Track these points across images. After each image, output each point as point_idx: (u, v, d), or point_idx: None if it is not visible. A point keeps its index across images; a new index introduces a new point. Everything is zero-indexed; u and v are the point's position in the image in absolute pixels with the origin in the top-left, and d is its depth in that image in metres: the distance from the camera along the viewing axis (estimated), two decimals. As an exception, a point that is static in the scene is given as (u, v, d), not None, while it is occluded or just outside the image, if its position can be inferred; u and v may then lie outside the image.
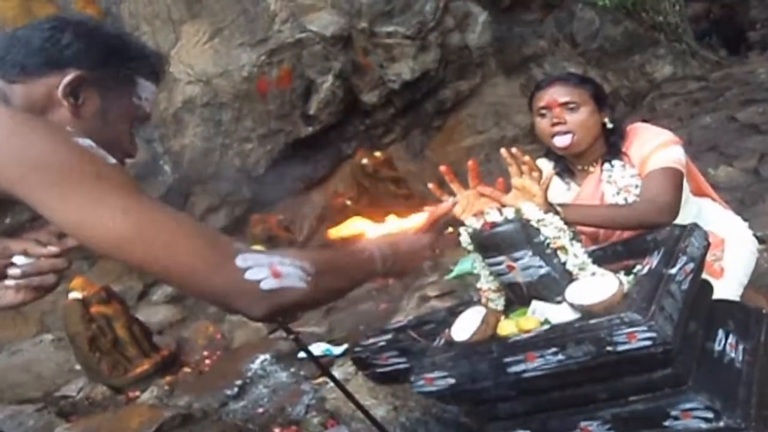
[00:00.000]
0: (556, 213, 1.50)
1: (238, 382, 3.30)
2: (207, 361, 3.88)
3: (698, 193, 2.05)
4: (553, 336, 1.17)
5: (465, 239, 1.46)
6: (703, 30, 8.95)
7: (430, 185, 1.70)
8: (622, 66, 6.90)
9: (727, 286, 1.82)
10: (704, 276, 1.52)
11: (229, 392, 3.25)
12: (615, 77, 6.72)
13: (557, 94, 1.89)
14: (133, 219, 0.83)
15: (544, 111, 1.91)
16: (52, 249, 0.97)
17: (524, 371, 1.19)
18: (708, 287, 1.51)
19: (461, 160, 1.77)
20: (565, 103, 1.88)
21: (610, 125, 1.93)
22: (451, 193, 1.61)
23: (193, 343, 4.24)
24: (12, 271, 0.97)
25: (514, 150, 1.63)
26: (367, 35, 5.67)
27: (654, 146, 1.84)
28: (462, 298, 2.21)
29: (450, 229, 1.39)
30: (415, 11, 5.73)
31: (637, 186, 1.86)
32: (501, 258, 1.38)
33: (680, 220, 1.72)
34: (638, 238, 1.62)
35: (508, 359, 1.21)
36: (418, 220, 1.28)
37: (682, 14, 7.87)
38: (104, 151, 0.88)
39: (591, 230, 1.89)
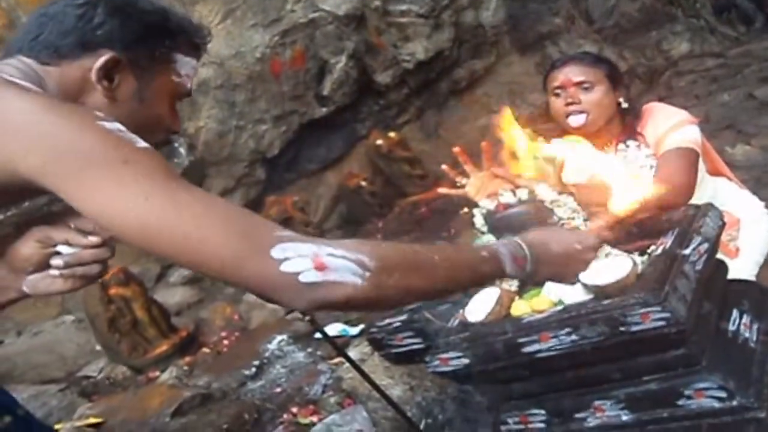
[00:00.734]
0: (570, 194, 1.49)
1: (256, 363, 3.35)
2: (225, 342, 3.94)
3: (714, 172, 2.03)
4: (567, 316, 1.17)
5: (479, 221, 1.46)
6: (721, 5, 8.78)
7: (444, 166, 1.70)
8: (638, 43, 6.80)
9: (743, 266, 1.82)
10: (719, 256, 1.52)
11: (247, 372, 3.29)
12: (631, 55, 6.62)
13: (572, 73, 1.88)
14: (157, 205, 0.77)
15: (558, 90, 1.90)
16: (93, 239, 0.95)
17: (538, 351, 1.20)
18: (723, 267, 1.51)
19: (476, 140, 1.76)
20: (580, 83, 1.87)
21: (625, 105, 1.92)
22: (465, 174, 1.62)
23: (211, 324, 4.30)
24: (55, 262, 0.96)
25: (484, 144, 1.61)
26: (380, 14, 5.64)
27: (669, 126, 1.83)
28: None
29: (465, 210, 1.38)
30: (428, -11, 5.68)
31: (652, 166, 1.85)
32: (515, 239, 1.38)
33: (696, 200, 1.71)
34: (653, 219, 1.62)
35: (522, 339, 1.22)
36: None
37: (701, -12, 7.74)
38: (133, 135, 0.83)
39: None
